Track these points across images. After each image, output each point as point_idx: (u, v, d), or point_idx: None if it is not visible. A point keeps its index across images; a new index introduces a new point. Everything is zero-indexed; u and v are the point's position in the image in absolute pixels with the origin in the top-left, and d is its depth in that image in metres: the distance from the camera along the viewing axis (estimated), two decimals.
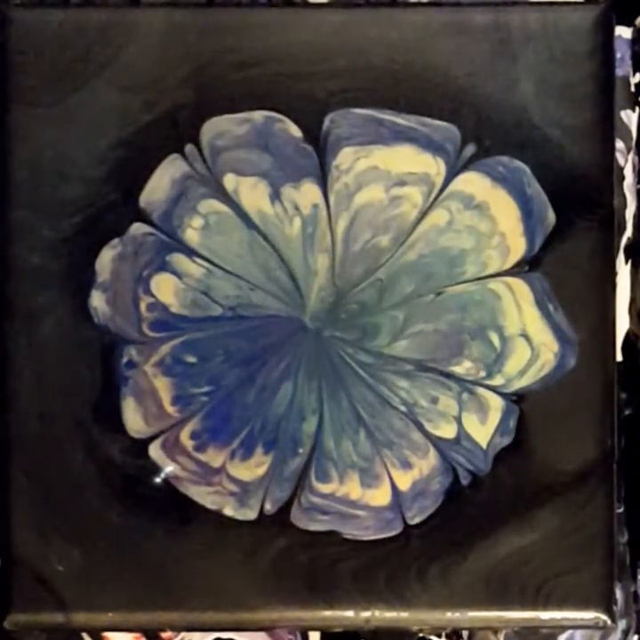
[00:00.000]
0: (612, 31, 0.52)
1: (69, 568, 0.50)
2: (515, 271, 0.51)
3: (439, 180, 0.51)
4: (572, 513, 0.51)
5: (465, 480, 0.51)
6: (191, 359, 0.51)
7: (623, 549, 0.54)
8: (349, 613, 0.51)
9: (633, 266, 0.55)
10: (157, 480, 0.50)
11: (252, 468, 0.51)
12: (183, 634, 0.54)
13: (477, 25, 0.51)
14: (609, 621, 0.51)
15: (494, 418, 0.51)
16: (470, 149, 0.51)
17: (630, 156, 0.55)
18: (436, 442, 0.51)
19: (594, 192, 0.51)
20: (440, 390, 0.51)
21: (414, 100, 0.51)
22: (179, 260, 0.51)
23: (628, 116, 0.55)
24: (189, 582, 0.50)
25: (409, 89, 0.51)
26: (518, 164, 0.51)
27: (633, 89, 0.56)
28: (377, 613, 0.51)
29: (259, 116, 0.51)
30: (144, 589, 0.50)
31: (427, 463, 0.51)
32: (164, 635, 0.55)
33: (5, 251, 0.51)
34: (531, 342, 0.51)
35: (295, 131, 0.51)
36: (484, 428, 0.51)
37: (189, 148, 0.51)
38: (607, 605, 0.50)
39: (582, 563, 0.50)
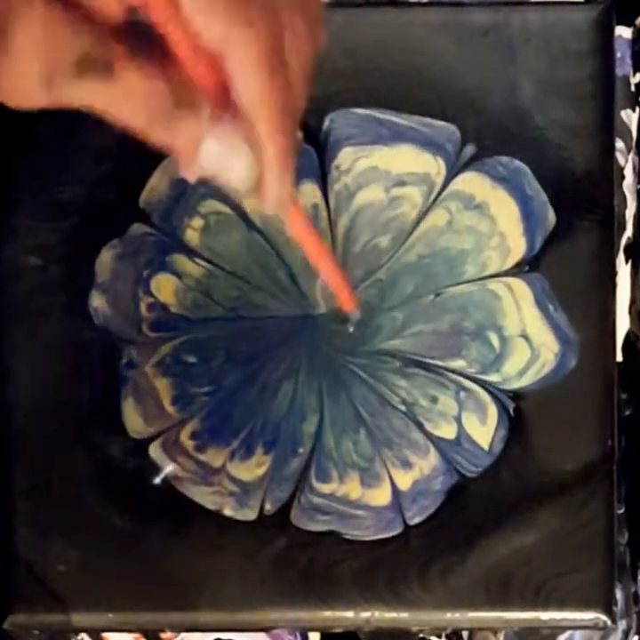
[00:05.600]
0: (612, 31, 0.52)
1: (69, 568, 0.50)
2: (515, 271, 0.51)
3: (439, 180, 0.51)
4: (572, 513, 0.50)
5: (465, 480, 0.51)
6: (191, 359, 0.51)
7: (623, 550, 0.54)
8: (349, 614, 0.51)
9: (633, 266, 0.55)
10: (157, 480, 0.50)
11: (252, 468, 0.51)
12: (183, 634, 0.54)
13: (477, 25, 0.51)
14: (609, 622, 0.50)
15: (494, 418, 0.51)
16: (470, 149, 0.51)
17: (630, 156, 0.55)
18: (437, 442, 0.51)
19: (594, 192, 0.51)
20: (440, 390, 0.51)
21: (414, 100, 0.51)
22: (179, 260, 0.51)
23: (628, 116, 0.55)
24: (189, 582, 0.50)
25: (409, 89, 0.51)
26: (518, 164, 0.51)
27: (633, 89, 0.56)
28: (377, 614, 0.50)
29: None
30: (144, 589, 0.50)
31: (427, 463, 0.51)
32: (163, 635, 0.55)
33: (5, 251, 0.51)
34: (531, 342, 0.51)
35: None
36: (484, 428, 0.51)
37: None
38: (607, 606, 0.50)
39: (582, 563, 0.50)
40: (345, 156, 0.51)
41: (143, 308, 0.51)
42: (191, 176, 0.36)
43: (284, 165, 0.35)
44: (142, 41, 0.34)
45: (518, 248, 0.51)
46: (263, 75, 0.34)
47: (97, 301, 0.51)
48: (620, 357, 0.53)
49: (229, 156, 0.35)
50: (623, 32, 0.55)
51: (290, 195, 0.36)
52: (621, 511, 0.54)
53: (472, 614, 0.50)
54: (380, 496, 0.51)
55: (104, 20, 0.34)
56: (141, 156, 0.51)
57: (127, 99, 0.34)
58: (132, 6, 0.34)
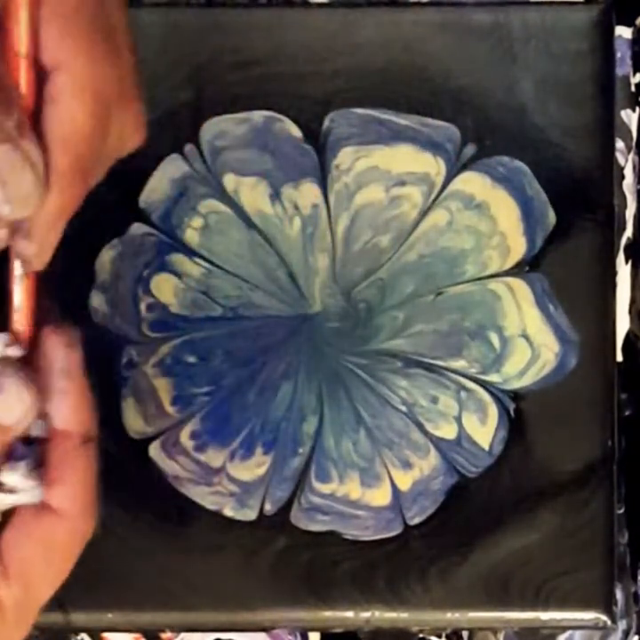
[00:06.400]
0: (612, 31, 0.52)
1: None
2: (515, 271, 0.51)
3: (439, 180, 0.51)
4: (572, 513, 0.50)
5: (465, 480, 0.51)
6: (191, 359, 0.51)
7: (623, 550, 0.54)
8: (349, 614, 0.51)
9: (633, 266, 0.55)
10: (157, 480, 0.50)
11: (252, 468, 0.51)
12: (183, 634, 0.54)
13: (477, 25, 0.51)
14: (609, 622, 0.50)
15: (494, 418, 0.51)
16: (470, 149, 0.51)
17: (630, 156, 0.55)
18: (437, 442, 0.51)
19: (594, 192, 0.51)
20: (440, 390, 0.51)
21: (414, 99, 0.51)
22: (179, 260, 0.51)
23: (628, 116, 0.55)
24: (189, 582, 0.50)
25: (409, 89, 0.51)
26: (518, 163, 0.51)
27: (633, 89, 0.56)
28: (377, 614, 0.50)
29: (259, 116, 0.51)
30: (144, 589, 0.50)
31: (427, 463, 0.51)
32: (163, 635, 0.55)
33: (6, 251, 0.51)
34: (531, 342, 0.51)
35: (295, 131, 0.51)
36: (485, 428, 0.51)
37: (189, 147, 0.51)
38: (607, 606, 0.50)
39: (582, 563, 0.50)
40: (345, 156, 0.51)
41: (143, 307, 0.51)
42: None
43: (61, 219, 0.34)
44: None
45: (518, 248, 0.51)
46: (88, 109, 0.32)
47: (97, 301, 0.51)
48: (620, 357, 0.53)
49: (15, 173, 0.31)
50: (623, 32, 0.55)
51: (48, 254, 0.34)
52: (621, 511, 0.54)
53: (472, 614, 0.50)
54: (380, 496, 0.51)
55: None
56: (141, 156, 0.51)
57: None
58: None
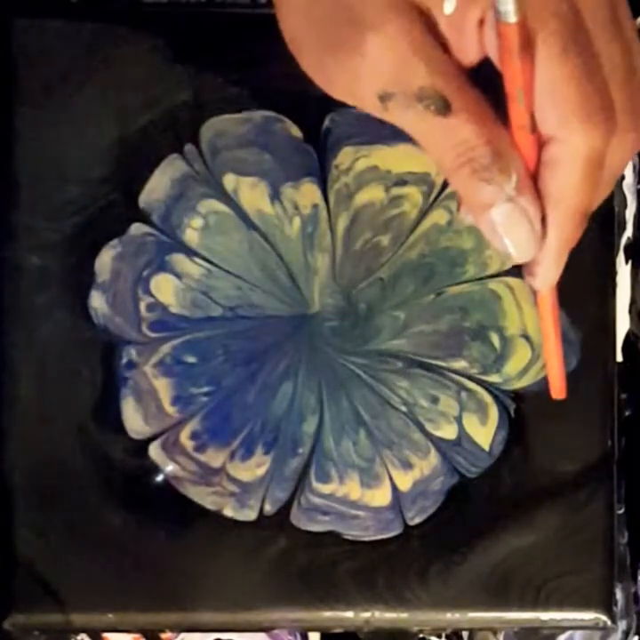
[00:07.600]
0: None
1: (69, 568, 0.50)
2: (515, 271, 0.51)
3: (439, 180, 0.51)
4: (572, 513, 0.50)
5: (465, 480, 0.51)
6: (191, 359, 0.51)
7: (623, 550, 0.54)
8: (349, 614, 0.51)
9: (633, 266, 0.55)
10: (157, 480, 0.50)
11: (252, 469, 0.51)
12: (183, 634, 0.54)
13: None
14: (609, 622, 0.51)
15: (494, 418, 0.51)
16: None
17: None
18: (437, 442, 0.51)
19: None
20: (440, 390, 0.51)
21: None
22: (179, 260, 0.51)
23: None
24: (189, 582, 0.50)
25: None
26: None
27: None
28: (377, 614, 0.50)
29: (259, 115, 0.51)
30: (144, 589, 0.50)
31: (427, 463, 0.51)
32: (163, 635, 0.55)
33: (5, 251, 0.51)
34: (531, 343, 0.51)
35: (295, 131, 0.51)
36: (485, 428, 0.51)
37: (189, 147, 0.51)
38: (607, 606, 0.50)
39: (582, 563, 0.50)
40: (345, 156, 0.51)
41: (143, 307, 0.51)
42: (467, 221, 0.39)
43: (562, 255, 0.37)
44: (483, 92, 0.35)
45: None
46: (583, 172, 0.35)
47: (97, 301, 0.51)
48: (620, 357, 0.53)
49: (514, 227, 0.36)
50: None
51: (556, 280, 0.38)
52: (621, 511, 0.54)
53: (472, 614, 0.51)
54: (380, 496, 0.51)
55: (457, 58, 0.35)
56: (141, 156, 0.51)
57: (440, 137, 0.35)
58: (488, 57, 0.35)
